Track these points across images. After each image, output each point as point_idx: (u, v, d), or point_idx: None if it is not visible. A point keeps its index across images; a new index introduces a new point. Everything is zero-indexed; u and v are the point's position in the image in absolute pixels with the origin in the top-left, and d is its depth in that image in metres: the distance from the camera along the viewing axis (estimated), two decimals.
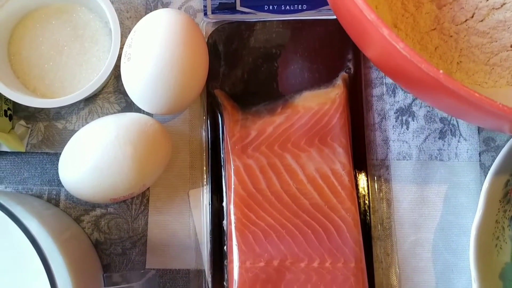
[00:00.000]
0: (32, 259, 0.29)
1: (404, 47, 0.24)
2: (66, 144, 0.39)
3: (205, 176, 0.39)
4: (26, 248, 0.29)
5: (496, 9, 0.34)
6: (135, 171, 0.34)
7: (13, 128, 0.38)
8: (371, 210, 0.38)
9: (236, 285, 0.35)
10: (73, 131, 0.39)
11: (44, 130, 0.40)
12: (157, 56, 0.34)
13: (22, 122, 0.39)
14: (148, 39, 0.35)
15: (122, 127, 0.34)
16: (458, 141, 0.39)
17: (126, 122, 0.35)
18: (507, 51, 0.35)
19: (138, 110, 0.39)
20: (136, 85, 0.35)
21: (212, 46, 0.40)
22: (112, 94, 0.40)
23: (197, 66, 0.36)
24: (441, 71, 0.23)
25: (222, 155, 0.38)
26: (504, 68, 0.35)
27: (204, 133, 0.39)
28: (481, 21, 0.34)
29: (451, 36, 0.35)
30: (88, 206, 0.39)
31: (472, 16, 0.34)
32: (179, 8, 0.41)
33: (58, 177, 0.38)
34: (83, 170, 0.34)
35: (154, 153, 0.35)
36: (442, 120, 0.40)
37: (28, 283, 0.31)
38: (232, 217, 0.36)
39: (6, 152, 0.38)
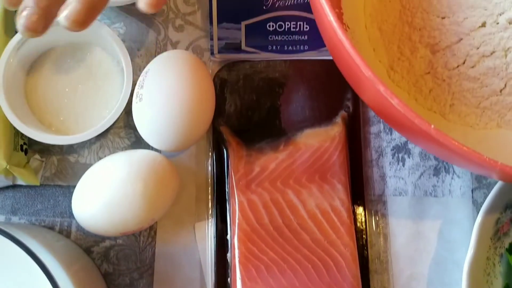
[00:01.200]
0: None
1: (399, 103, 0.26)
2: (78, 177, 0.41)
3: (210, 210, 0.40)
4: (41, 281, 0.31)
5: (486, 56, 0.36)
6: (145, 207, 0.36)
7: (28, 162, 0.40)
8: (369, 244, 0.40)
9: None
10: (85, 165, 0.41)
11: (57, 163, 0.42)
12: (168, 97, 0.36)
13: (37, 156, 0.41)
14: (159, 80, 0.37)
15: (133, 165, 0.36)
16: (452, 178, 0.41)
17: (137, 159, 0.37)
18: (496, 95, 0.37)
19: (147, 144, 0.41)
20: (147, 125, 0.37)
21: (218, 84, 0.42)
22: (122, 129, 0.42)
23: (205, 106, 0.38)
24: (432, 126, 0.25)
25: (227, 189, 0.40)
26: (494, 111, 0.37)
27: (209, 168, 0.41)
28: (472, 67, 0.36)
29: (444, 80, 0.38)
30: (98, 237, 0.40)
31: (464, 62, 0.37)
32: (187, 47, 0.44)
33: (70, 209, 0.40)
34: (96, 206, 0.35)
35: (163, 189, 0.37)
36: (436, 157, 0.42)
37: None
38: (236, 251, 0.38)
39: (21, 185, 0.40)
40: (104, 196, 0.35)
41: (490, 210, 0.37)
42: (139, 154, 0.38)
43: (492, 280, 0.37)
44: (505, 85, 0.36)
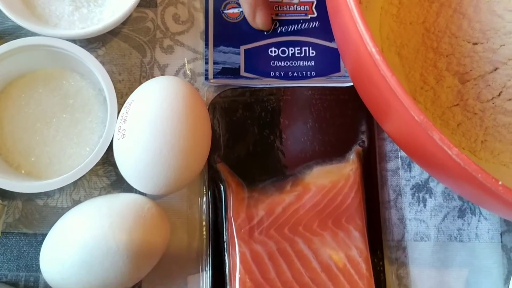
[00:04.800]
0: None
1: (458, 154, 0.21)
2: (47, 223, 0.35)
3: (205, 261, 0.35)
4: None
5: None
6: (130, 265, 0.30)
7: None
8: None
9: None
10: (56, 208, 0.35)
11: (22, 207, 0.35)
12: (156, 133, 0.30)
13: None
14: (145, 113, 0.31)
15: (117, 214, 0.30)
16: (478, 221, 0.37)
17: (121, 208, 0.31)
18: None
19: (130, 185, 0.35)
20: (131, 166, 0.31)
21: (214, 114, 0.36)
22: (101, 166, 0.36)
23: (200, 142, 0.32)
24: (500, 182, 0.21)
25: (224, 237, 0.34)
26: None
27: (204, 212, 0.36)
28: (510, 100, 0.32)
29: (475, 113, 0.33)
30: None
31: (499, 94, 0.32)
32: (178, 71, 0.38)
33: (37, 261, 0.34)
34: (70, 262, 0.29)
35: (151, 242, 0.31)
36: (461, 197, 0.37)
37: None
38: None
39: None
40: (80, 251, 0.29)
41: None
42: (123, 199, 0.31)
43: None
44: None
